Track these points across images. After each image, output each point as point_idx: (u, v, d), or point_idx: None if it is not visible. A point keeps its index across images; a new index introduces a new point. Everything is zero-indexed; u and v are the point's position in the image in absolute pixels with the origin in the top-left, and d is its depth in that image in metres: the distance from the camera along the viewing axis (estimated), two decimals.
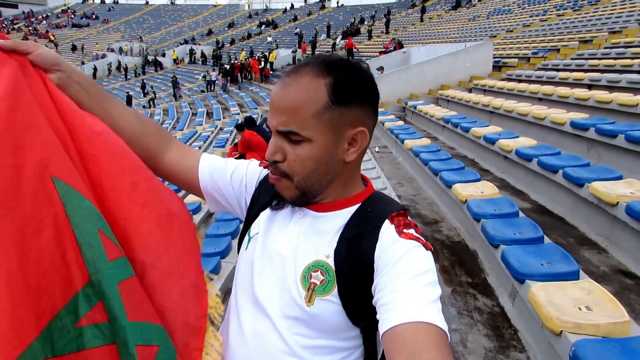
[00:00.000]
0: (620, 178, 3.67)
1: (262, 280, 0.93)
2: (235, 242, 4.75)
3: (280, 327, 0.88)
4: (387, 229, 0.87)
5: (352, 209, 0.93)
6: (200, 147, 13.13)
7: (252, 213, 1.06)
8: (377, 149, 8.17)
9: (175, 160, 1.10)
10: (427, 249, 0.84)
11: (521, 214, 3.54)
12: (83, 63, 40.38)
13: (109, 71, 38.61)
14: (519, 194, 4.85)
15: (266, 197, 1.04)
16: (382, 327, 0.74)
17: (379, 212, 0.90)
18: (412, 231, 0.86)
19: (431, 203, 5.16)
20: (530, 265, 2.65)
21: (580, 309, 2.18)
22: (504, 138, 5.51)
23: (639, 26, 10.86)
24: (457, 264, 3.69)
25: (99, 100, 0.97)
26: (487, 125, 6.57)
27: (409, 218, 0.92)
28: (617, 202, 3.21)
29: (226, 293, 3.94)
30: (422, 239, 0.86)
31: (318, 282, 0.87)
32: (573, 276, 2.49)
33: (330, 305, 0.86)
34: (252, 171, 1.10)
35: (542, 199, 4.53)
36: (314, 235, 0.91)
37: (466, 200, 3.93)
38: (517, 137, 5.53)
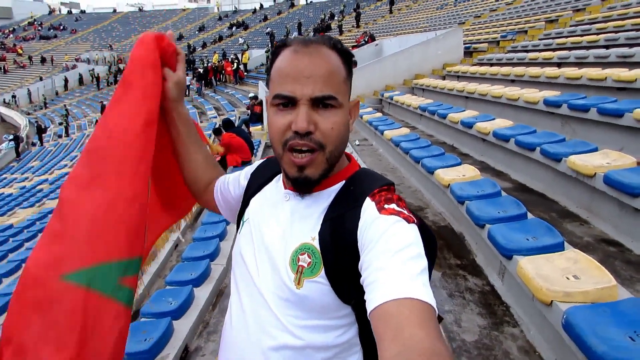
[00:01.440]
0: (595, 150, 3.76)
1: (255, 263, 0.96)
2: (223, 244, 4.72)
3: (274, 308, 0.90)
4: (368, 207, 0.87)
5: (337, 188, 0.94)
6: None
7: (245, 200, 1.10)
8: (357, 142, 8.20)
9: (209, 195, 1.26)
10: (409, 222, 0.83)
11: (503, 193, 3.60)
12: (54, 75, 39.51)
13: (79, 82, 37.78)
14: (500, 174, 4.93)
15: (257, 184, 1.09)
16: (368, 307, 0.75)
17: (361, 189, 0.91)
18: (393, 206, 0.86)
19: (415, 191, 5.21)
20: (516, 241, 2.70)
21: (568, 278, 2.23)
22: (480, 121, 5.59)
23: (601, 2, 11.11)
24: (445, 248, 3.74)
25: (194, 138, 1.26)
26: (464, 110, 6.65)
27: (393, 192, 0.93)
28: (595, 173, 3.29)
29: (218, 294, 3.92)
30: (404, 212, 0.86)
31: (305, 265, 0.88)
32: (558, 248, 2.55)
33: (318, 286, 0.87)
34: (247, 170, 1.18)
35: (522, 177, 4.62)
36: (301, 217, 0.93)
37: (449, 184, 3.98)
38: (494, 119, 5.62)
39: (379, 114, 8.75)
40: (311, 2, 47.54)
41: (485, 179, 3.99)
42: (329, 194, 0.93)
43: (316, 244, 0.88)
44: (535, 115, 5.73)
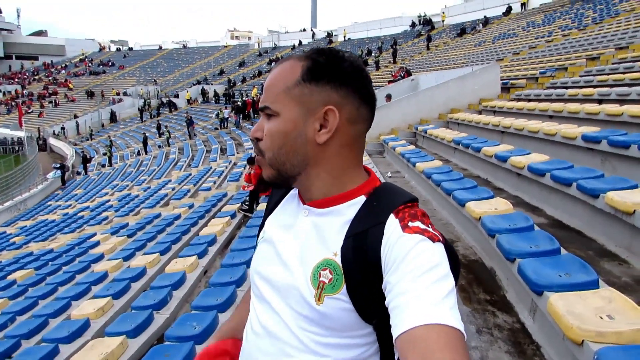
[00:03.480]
0: (635, 187, 3.59)
1: (272, 281, 0.95)
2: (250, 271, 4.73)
3: (292, 325, 0.88)
4: (392, 224, 0.84)
5: (358, 202, 0.91)
6: (215, 182, 13.32)
7: (263, 222, 1.10)
8: (389, 174, 8.17)
9: None
10: (434, 240, 0.80)
11: (536, 228, 3.48)
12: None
13: (140, 112, 39.44)
14: (534, 209, 4.78)
15: (273, 202, 1.09)
16: (394, 333, 0.73)
17: (385, 205, 0.88)
18: (417, 224, 0.83)
19: (446, 224, 5.11)
20: (548, 277, 2.58)
21: (601, 317, 2.11)
22: (515, 155, 5.48)
23: None
24: (475, 282, 3.62)
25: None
26: (499, 144, 6.55)
27: (417, 207, 0.90)
28: (634, 211, 3.14)
29: None
30: (430, 230, 0.83)
31: (327, 281, 0.86)
32: (592, 285, 2.42)
33: (339, 303, 0.85)
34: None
35: (557, 213, 4.46)
36: (321, 232, 0.91)
37: (480, 217, 3.88)
38: (529, 153, 5.49)
39: (412, 147, 8.73)
40: (349, 39, 48.62)
41: (518, 212, 3.88)
42: (349, 208, 0.91)
43: (338, 260, 0.86)
44: (573, 152, 5.57)
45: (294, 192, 1.04)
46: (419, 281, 0.74)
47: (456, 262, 0.93)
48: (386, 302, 0.79)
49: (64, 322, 4.73)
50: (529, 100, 9.62)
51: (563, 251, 2.98)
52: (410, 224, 0.83)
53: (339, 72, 0.89)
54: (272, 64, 44.80)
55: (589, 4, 22.12)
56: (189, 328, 3.67)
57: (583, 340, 1.99)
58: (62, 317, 5.12)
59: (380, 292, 0.82)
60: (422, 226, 0.83)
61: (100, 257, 7.54)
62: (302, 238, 0.93)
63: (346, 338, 0.87)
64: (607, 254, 3.45)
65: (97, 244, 8.80)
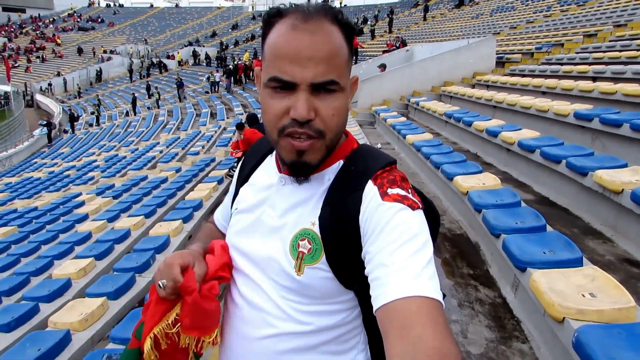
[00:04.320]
0: (625, 166, 3.56)
1: (251, 254, 0.92)
2: None
3: (273, 295, 0.87)
4: (370, 191, 0.82)
5: (335, 168, 0.89)
6: (203, 147, 13.16)
7: (236, 192, 1.05)
8: (379, 145, 8.09)
9: None
10: (414, 208, 0.79)
11: (523, 204, 3.46)
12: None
13: (129, 70, 38.43)
14: (522, 185, 4.76)
15: (247, 170, 1.03)
16: (374, 305, 0.73)
17: (362, 170, 0.86)
18: (396, 190, 0.81)
19: (433, 197, 5.08)
20: (532, 254, 2.57)
21: (583, 295, 2.10)
22: (506, 130, 5.42)
23: None
24: (459, 257, 3.62)
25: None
26: (490, 119, 6.48)
27: (396, 170, 0.88)
28: (622, 190, 3.11)
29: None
30: (409, 196, 0.81)
31: (306, 251, 0.85)
32: (576, 263, 2.41)
33: (319, 272, 0.84)
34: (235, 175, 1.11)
35: (545, 190, 4.44)
36: (299, 202, 0.88)
37: (467, 191, 3.85)
38: (520, 129, 5.44)
39: (403, 119, 8.62)
40: (345, 5, 47.52)
41: (506, 188, 3.85)
42: (328, 175, 0.88)
43: (316, 229, 0.85)
44: (564, 129, 5.52)
45: (269, 160, 1.00)
46: (398, 252, 0.74)
47: (435, 220, 0.94)
48: (366, 272, 0.78)
49: (45, 281, 4.69)
50: (523, 76, 9.50)
51: (549, 228, 2.96)
52: (389, 190, 0.81)
53: (353, 43, 0.87)
54: None
55: None
56: None
57: (564, 318, 1.99)
58: (43, 276, 5.08)
59: (360, 260, 0.81)
60: (402, 192, 0.81)
61: (84, 217, 7.46)
62: (278, 209, 0.90)
63: (328, 305, 0.86)
64: (592, 232, 3.46)
65: (82, 204, 8.69)
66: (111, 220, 6.87)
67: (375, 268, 0.75)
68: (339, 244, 0.83)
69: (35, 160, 19.60)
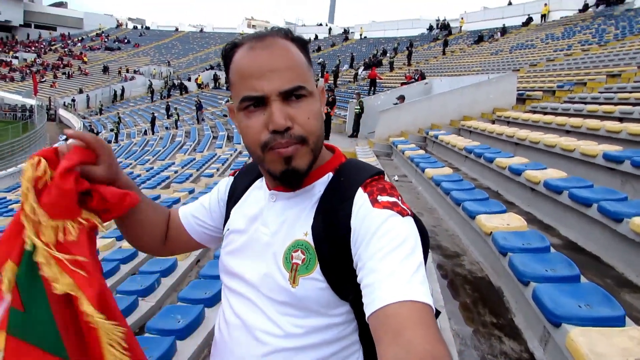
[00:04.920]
0: None
1: (244, 272, 0.93)
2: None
3: (270, 312, 0.88)
4: (360, 198, 0.84)
5: (325, 180, 0.91)
6: (218, 169, 13.14)
7: (226, 213, 1.05)
8: (396, 178, 7.93)
9: (172, 241, 1.14)
10: (403, 215, 0.81)
11: (552, 250, 3.24)
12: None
13: (148, 90, 39.24)
14: (548, 228, 4.53)
15: (237, 193, 1.05)
16: (366, 312, 0.73)
17: (352, 180, 0.88)
18: (386, 198, 0.83)
19: (452, 235, 4.87)
20: (567, 306, 2.34)
21: None
22: (530, 169, 5.22)
23: None
24: (480, 302, 3.39)
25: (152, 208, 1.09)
26: (512, 156, 6.29)
27: (384, 180, 0.90)
28: None
29: None
30: (399, 203, 0.83)
31: (300, 262, 0.86)
32: (618, 322, 2.18)
33: (314, 283, 0.85)
34: (222, 186, 1.11)
35: (573, 234, 4.21)
36: (290, 215, 0.90)
37: (491, 232, 3.64)
38: (545, 168, 5.24)
39: (421, 152, 8.48)
40: (365, 37, 48.21)
41: (533, 230, 3.64)
42: (318, 187, 0.91)
43: (309, 239, 0.86)
44: (591, 170, 5.31)
45: (259, 182, 1.03)
46: (388, 258, 0.75)
47: (425, 237, 0.93)
48: (358, 280, 0.79)
49: None
50: (545, 113, 9.34)
51: (582, 279, 2.74)
52: (379, 198, 0.83)
53: (309, 55, 0.92)
54: None
55: (611, 20, 21.73)
56: (172, 321, 3.46)
57: None
58: None
59: (353, 268, 0.82)
60: (392, 200, 0.83)
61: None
62: (271, 225, 0.91)
63: (324, 317, 0.86)
64: (627, 284, 3.21)
65: None
66: (120, 238, 6.74)
67: (367, 275, 0.76)
68: (332, 251, 0.84)
69: None
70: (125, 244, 6.25)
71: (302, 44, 0.89)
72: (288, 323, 0.86)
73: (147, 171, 14.83)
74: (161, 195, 9.98)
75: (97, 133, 28.54)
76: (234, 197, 1.05)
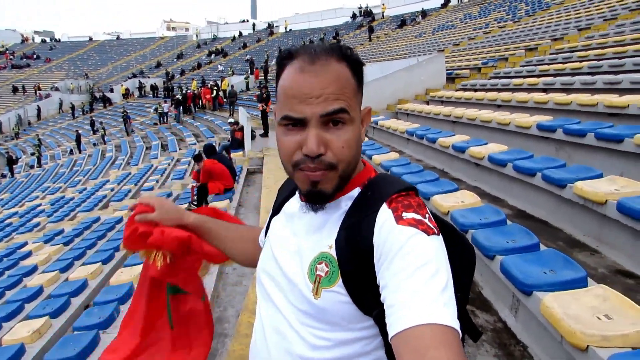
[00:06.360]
0: (600, 176, 3.60)
1: (273, 279, 0.96)
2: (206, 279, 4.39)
3: (294, 322, 0.89)
4: (384, 214, 0.83)
5: (353, 195, 0.91)
6: (157, 181, 12.63)
7: (269, 222, 1.10)
8: None
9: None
10: (429, 234, 0.78)
11: (509, 222, 3.40)
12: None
13: (60, 110, 36.96)
14: (497, 200, 4.75)
15: (278, 203, 1.09)
16: (389, 333, 0.73)
17: (378, 195, 0.87)
18: (411, 215, 0.81)
19: None
20: (534, 275, 2.47)
21: (599, 318, 2.00)
22: (473, 145, 5.46)
23: (578, 32, 11.38)
24: None
25: (223, 229, 1.32)
26: (453, 135, 6.54)
27: (414, 197, 0.88)
28: (606, 200, 3.12)
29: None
30: (425, 221, 0.80)
31: (323, 274, 0.86)
32: (582, 283, 2.33)
33: (336, 296, 0.84)
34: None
35: (520, 203, 4.44)
36: (318, 227, 0.91)
37: (448, 211, 3.76)
38: (486, 143, 5.49)
39: (364, 138, 8.59)
40: (290, 30, 48.09)
41: (487, 205, 3.80)
42: (345, 201, 0.91)
43: (333, 252, 0.86)
44: (527, 140, 5.63)
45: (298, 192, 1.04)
46: (412, 279, 0.73)
47: (469, 251, 0.95)
48: (382, 298, 0.78)
49: None
50: (475, 90, 9.78)
51: (541, 246, 2.89)
52: (404, 215, 0.81)
53: (362, 77, 0.92)
54: (212, 56, 43.69)
55: None
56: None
57: (588, 346, 1.87)
58: None
59: (376, 284, 0.81)
60: (417, 217, 0.81)
61: (33, 270, 6.81)
62: (300, 234, 0.93)
63: (347, 331, 0.85)
64: (577, 244, 3.44)
65: (28, 254, 7.97)
66: (64, 270, 6.30)
67: (390, 294, 0.75)
68: (355, 266, 0.83)
69: None
70: (71, 275, 5.87)
71: (356, 66, 0.89)
72: (310, 334, 0.87)
73: (79, 193, 13.99)
74: (101, 217, 9.46)
75: (17, 159, 26.54)
76: (274, 207, 1.10)
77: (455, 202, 3.92)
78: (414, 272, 0.74)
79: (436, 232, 0.80)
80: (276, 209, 1.09)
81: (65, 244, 7.98)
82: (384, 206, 0.84)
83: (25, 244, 9.03)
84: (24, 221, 12.21)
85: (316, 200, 0.89)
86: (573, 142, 4.73)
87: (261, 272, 1.02)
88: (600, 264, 3.09)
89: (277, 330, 0.92)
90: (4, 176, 24.38)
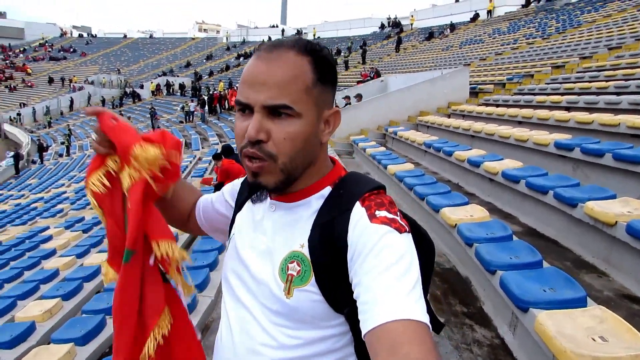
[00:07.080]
0: (614, 197, 3.55)
1: (242, 279, 0.95)
2: (213, 275, 4.48)
3: (264, 322, 0.88)
4: (358, 213, 0.83)
5: (324, 193, 0.91)
6: None
7: (232, 217, 1.07)
8: None
9: (192, 221, 1.22)
10: (401, 232, 0.80)
11: (515, 238, 3.37)
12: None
13: (88, 103, 38.02)
14: (508, 217, 4.71)
15: (242, 198, 1.06)
16: (362, 329, 0.74)
17: (351, 193, 0.88)
18: (384, 213, 0.82)
19: None
20: (532, 292, 2.45)
21: (594, 339, 1.98)
22: (488, 160, 5.42)
23: (608, 51, 11.17)
24: (450, 293, 3.49)
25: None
26: (470, 149, 6.49)
27: (384, 195, 0.89)
28: (616, 222, 3.07)
29: (204, 329, 3.64)
30: (397, 219, 0.82)
31: (295, 273, 0.86)
32: (580, 303, 2.30)
33: (309, 295, 0.84)
34: (232, 187, 1.13)
35: (531, 221, 4.39)
36: (288, 226, 0.91)
37: (456, 224, 3.76)
38: (502, 159, 5.44)
39: (382, 149, 8.61)
40: (318, 37, 48.40)
41: (495, 220, 3.77)
42: (316, 199, 0.90)
43: (305, 251, 0.86)
44: (544, 158, 5.56)
45: None
46: (385, 276, 0.74)
47: (430, 249, 0.96)
48: (354, 296, 0.79)
49: (7, 325, 4.31)
50: (498, 106, 9.69)
51: (545, 264, 2.86)
52: (377, 213, 0.82)
53: (334, 73, 0.90)
54: (241, 59, 44.23)
55: (552, 14, 22.76)
56: None
57: None
58: (5, 319, 4.68)
59: (349, 282, 0.82)
60: (390, 215, 0.82)
61: (52, 253, 7.04)
62: (269, 234, 0.92)
63: (317, 329, 0.86)
64: (585, 266, 3.38)
65: (49, 238, 8.24)
66: (80, 256, 6.49)
67: (363, 292, 0.76)
68: (328, 264, 0.84)
69: (1, 192, 18.79)
70: (86, 261, 6.04)
71: (321, 62, 0.85)
72: (281, 334, 0.86)
73: None
74: None
75: (47, 147, 27.34)
76: (239, 201, 1.07)
77: (463, 216, 3.91)
78: (386, 269, 0.75)
79: (407, 229, 0.82)
80: (240, 205, 1.06)
81: (85, 231, 8.22)
82: (357, 204, 0.84)
83: (47, 228, 9.31)
84: (49, 206, 12.59)
85: (261, 190, 0.92)
86: (590, 161, 4.65)
87: (229, 272, 1.00)
88: (606, 286, 3.04)
89: (245, 330, 0.91)
90: (34, 162, 25.15)
